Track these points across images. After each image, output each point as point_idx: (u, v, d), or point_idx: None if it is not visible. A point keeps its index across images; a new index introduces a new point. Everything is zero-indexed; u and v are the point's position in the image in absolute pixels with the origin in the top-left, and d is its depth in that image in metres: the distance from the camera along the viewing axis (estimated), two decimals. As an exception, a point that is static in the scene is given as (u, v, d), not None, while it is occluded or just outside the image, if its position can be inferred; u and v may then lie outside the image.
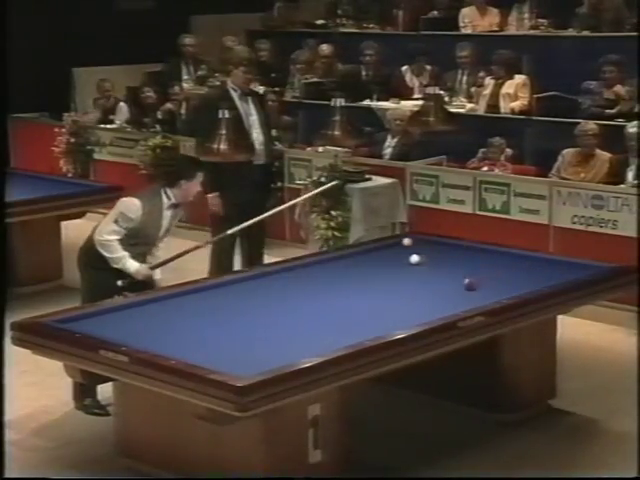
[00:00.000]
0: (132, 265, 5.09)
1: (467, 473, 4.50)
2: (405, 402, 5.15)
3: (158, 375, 3.95)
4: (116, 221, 5.08)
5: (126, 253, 5.07)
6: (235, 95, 6.45)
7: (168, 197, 5.16)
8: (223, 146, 5.70)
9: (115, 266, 5.06)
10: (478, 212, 7.27)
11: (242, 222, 6.43)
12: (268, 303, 4.79)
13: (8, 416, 4.31)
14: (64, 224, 7.47)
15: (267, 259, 6.73)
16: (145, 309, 4.70)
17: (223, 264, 6.54)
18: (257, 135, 6.59)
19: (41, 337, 4.41)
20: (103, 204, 8.04)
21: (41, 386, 5.36)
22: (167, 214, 5.19)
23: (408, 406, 5.14)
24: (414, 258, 5.28)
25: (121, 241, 5.06)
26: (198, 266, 6.48)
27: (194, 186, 5.20)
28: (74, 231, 7.83)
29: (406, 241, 5.65)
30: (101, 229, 5.12)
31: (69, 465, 4.65)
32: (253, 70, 6.64)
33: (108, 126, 9.75)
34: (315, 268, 5.40)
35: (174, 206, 5.19)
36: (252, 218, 6.43)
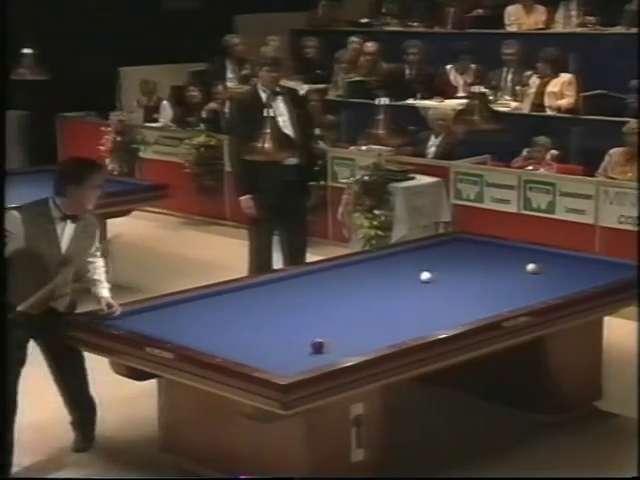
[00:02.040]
0: None
1: (509, 475, 4.46)
2: (448, 402, 5.13)
3: (202, 372, 3.98)
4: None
5: None
6: (264, 96, 6.40)
7: (58, 207, 4.34)
8: (258, 146, 5.68)
9: None
10: (523, 211, 7.21)
11: (278, 223, 6.44)
12: (310, 301, 4.80)
13: (53, 413, 4.39)
14: (110, 222, 7.56)
15: (309, 258, 6.73)
16: (189, 306, 4.73)
17: (260, 264, 6.52)
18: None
19: (88, 334, 4.46)
20: (148, 202, 8.16)
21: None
22: (64, 229, 4.34)
23: (451, 406, 5.12)
24: (425, 275, 4.98)
25: (17, 265, 4.22)
26: (237, 264, 6.51)
27: (86, 192, 4.33)
28: (120, 229, 7.94)
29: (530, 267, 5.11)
30: None
31: (113, 461, 4.71)
32: (279, 69, 6.52)
33: (153, 125, 9.85)
34: (358, 267, 5.39)
35: (71, 218, 4.35)
36: (288, 219, 6.44)
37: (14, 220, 4.22)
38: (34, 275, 4.29)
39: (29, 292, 4.29)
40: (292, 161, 6.26)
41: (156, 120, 9.92)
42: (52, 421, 4.80)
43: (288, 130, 6.32)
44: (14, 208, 4.34)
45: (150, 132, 9.69)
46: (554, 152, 7.57)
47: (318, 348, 4.01)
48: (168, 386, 4.46)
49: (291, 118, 6.39)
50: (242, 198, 6.41)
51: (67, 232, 4.33)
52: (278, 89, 6.43)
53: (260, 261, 6.47)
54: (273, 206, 6.36)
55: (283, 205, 6.36)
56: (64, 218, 4.32)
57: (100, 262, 4.61)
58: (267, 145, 5.44)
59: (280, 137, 5.54)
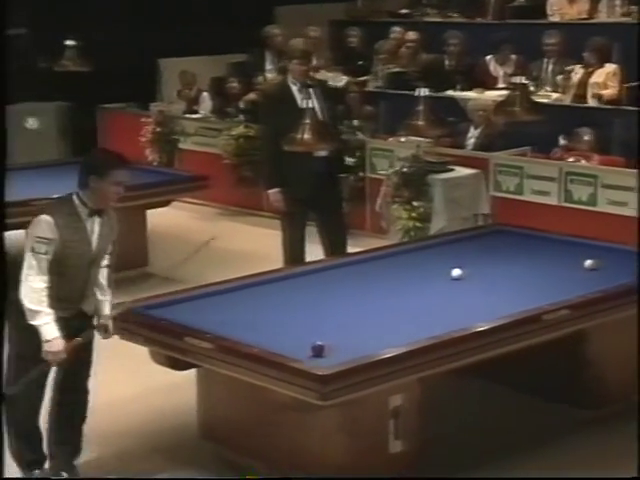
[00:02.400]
0: (48, 331, 3.99)
1: (547, 470, 4.43)
2: (488, 395, 5.10)
3: (241, 362, 4.01)
4: (32, 250, 3.99)
5: (48, 310, 3.99)
6: (295, 89, 6.37)
7: (83, 202, 4.11)
8: (297, 137, 5.66)
9: (32, 322, 3.98)
10: (563, 204, 7.14)
11: (312, 216, 6.43)
12: (349, 292, 4.80)
13: (93, 401, 4.43)
14: (150, 212, 7.61)
15: (349, 249, 6.72)
16: (228, 297, 4.75)
17: (294, 256, 6.51)
18: None
19: (128, 323, 4.50)
20: (188, 193, 8.21)
21: (128, 372, 5.47)
22: (93, 225, 4.12)
23: (490, 399, 5.09)
24: (456, 272, 4.90)
25: (53, 270, 4.02)
26: (275, 254, 6.53)
27: (109, 186, 4.09)
28: (160, 219, 8.00)
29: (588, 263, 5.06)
30: (22, 270, 4.03)
31: (153, 450, 4.75)
32: (309, 62, 6.47)
33: (192, 116, 9.90)
34: (396, 259, 5.38)
35: (97, 213, 4.13)
36: (322, 211, 6.42)
37: (49, 225, 3.99)
38: (69, 278, 4.08)
39: (65, 297, 4.09)
40: (322, 153, 6.22)
41: (196, 111, 9.96)
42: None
43: None
44: (43, 211, 4.09)
45: (190, 123, 9.74)
46: (587, 139, 7.40)
47: (318, 352, 3.88)
48: (207, 376, 4.49)
49: (321, 110, 6.34)
50: (270, 192, 6.42)
51: (95, 229, 4.14)
52: (308, 81, 6.42)
53: (293, 253, 6.49)
54: (304, 199, 6.35)
55: (313, 198, 6.35)
56: (91, 214, 4.11)
57: (107, 265, 4.32)
58: (306, 136, 5.43)
59: (319, 128, 5.52)
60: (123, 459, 4.66)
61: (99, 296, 4.28)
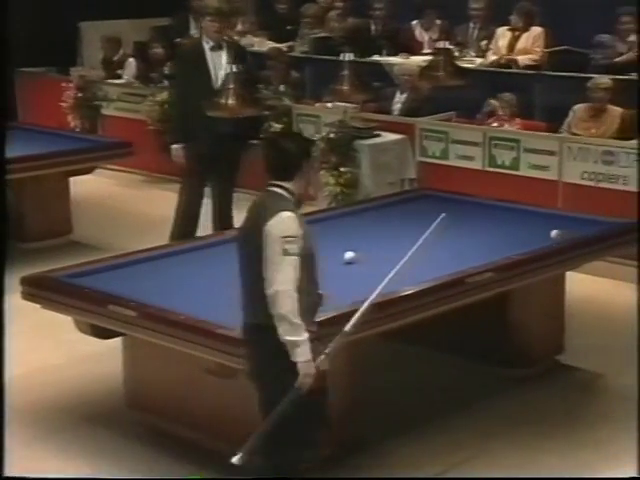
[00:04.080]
0: (307, 349, 3.47)
1: (474, 428, 4.53)
2: (415, 358, 5.17)
3: (166, 329, 3.98)
4: (285, 252, 3.44)
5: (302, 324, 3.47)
6: (207, 47, 6.29)
7: (291, 193, 3.63)
8: (221, 102, 5.63)
9: (286, 339, 3.45)
10: (487, 168, 7.23)
11: (209, 175, 6.40)
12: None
13: (16, 371, 4.36)
14: (73, 180, 7.48)
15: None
16: (152, 264, 4.70)
17: (189, 214, 6.46)
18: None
19: (51, 292, 4.43)
20: (111, 159, 8.07)
21: (51, 341, 5.39)
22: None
23: (418, 362, 5.16)
24: (348, 255, 4.67)
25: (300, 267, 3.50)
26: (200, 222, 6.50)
27: (308, 172, 3.70)
28: (83, 187, 7.86)
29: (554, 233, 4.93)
30: (271, 278, 3.46)
31: (80, 418, 4.70)
32: (224, 20, 6.39)
33: (116, 81, 9.70)
34: (322, 224, 5.38)
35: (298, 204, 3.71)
36: (215, 174, 6.39)
37: (294, 221, 3.50)
38: (308, 274, 3.59)
39: (308, 292, 3.60)
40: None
41: (120, 76, 9.77)
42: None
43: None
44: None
45: (113, 88, 9.54)
46: (495, 104, 7.44)
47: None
48: (132, 344, 4.45)
49: (233, 71, 6.24)
50: (173, 146, 6.41)
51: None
52: (220, 42, 6.30)
53: (185, 216, 6.45)
54: (203, 157, 6.32)
55: (212, 157, 6.32)
56: (298, 204, 3.64)
57: None
58: (230, 101, 5.38)
59: (243, 93, 5.47)
60: (49, 429, 4.61)
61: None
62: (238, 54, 6.41)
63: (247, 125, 6.31)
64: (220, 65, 6.25)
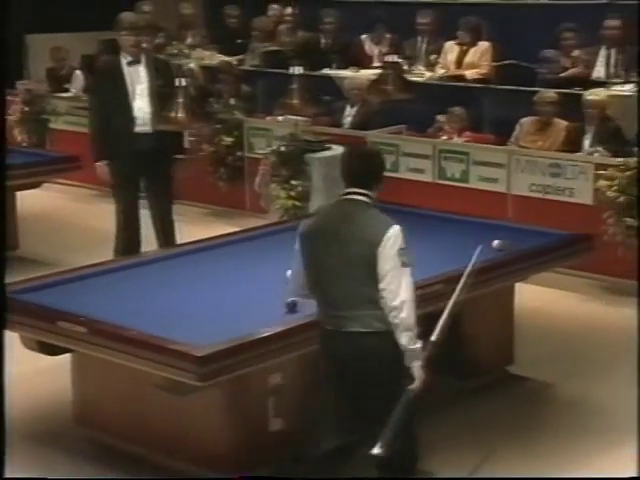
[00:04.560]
0: (420, 357, 3.75)
1: (424, 438, 4.53)
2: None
3: (117, 346, 3.93)
4: (403, 263, 3.68)
5: None
6: (124, 62, 6.25)
7: (372, 200, 3.93)
8: (171, 116, 5.63)
9: (410, 347, 3.69)
10: (438, 181, 7.29)
11: (140, 190, 6.37)
12: (224, 273, 4.78)
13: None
14: (20, 194, 7.37)
15: (228, 229, 6.68)
16: (101, 279, 4.65)
17: (124, 230, 6.41)
18: (142, 104, 6.22)
19: (-3, 309, 4.35)
20: (59, 174, 7.98)
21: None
22: None
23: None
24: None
25: None
26: (151, 236, 6.43)
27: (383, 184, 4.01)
28: (31, 202, 7.76)
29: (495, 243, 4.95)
30: (397, 289, 3.66)
31: (27, 436, 4.62)
32: (140, 34, 6.31)
33: (63, 95, 9.61)
34: (272, 237, 5.38)
35: None
36: (149, 187, 6.34)
37: (403, 233, 3.74)
38: None
39: None
40: (147, 130, 6.17)
41: (67, 90, 9.67)
42: None
43: (145, 99, 6.19)
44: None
45: (61, 102, 9.45)
46: (441, 119, 7.51)
47: (292, 308, 4.03)
48: (82, 360, 4.39)
49: (150, 87, 6.22)
50: (97, 164, 6.38)
51: None
52: (137, 57, 6.24)
53: (123, 227, 6.40)
54: (128, 175, 6.30)
55: (138, 175, 6.32)
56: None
57: None
58: (180, 115, 5.36)
59: (193, 107, 5.45)
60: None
61: None
62: (159, 68, 6.38)
63: (168, 140, 6.26)
64: (138, 79, 6.22)
